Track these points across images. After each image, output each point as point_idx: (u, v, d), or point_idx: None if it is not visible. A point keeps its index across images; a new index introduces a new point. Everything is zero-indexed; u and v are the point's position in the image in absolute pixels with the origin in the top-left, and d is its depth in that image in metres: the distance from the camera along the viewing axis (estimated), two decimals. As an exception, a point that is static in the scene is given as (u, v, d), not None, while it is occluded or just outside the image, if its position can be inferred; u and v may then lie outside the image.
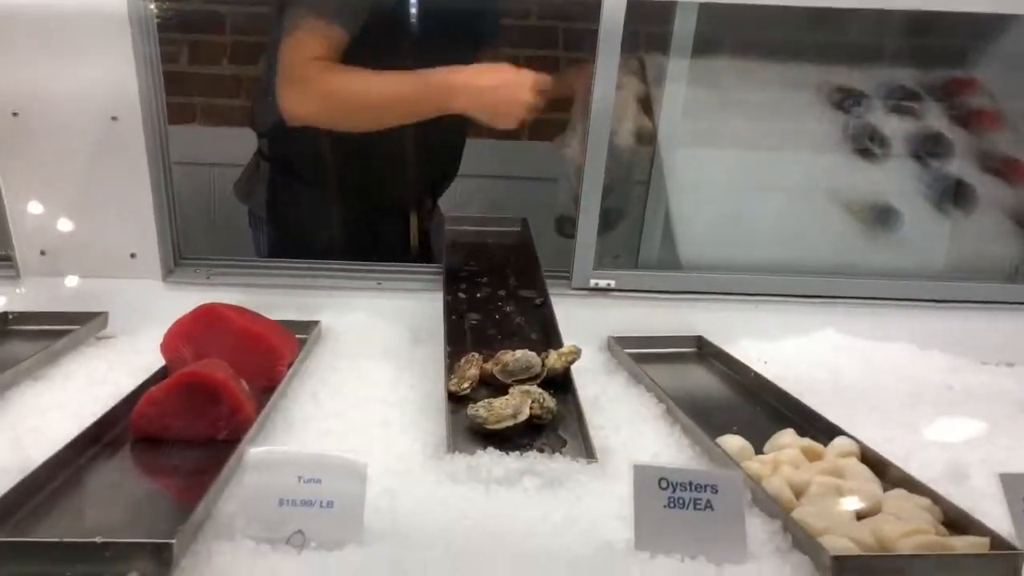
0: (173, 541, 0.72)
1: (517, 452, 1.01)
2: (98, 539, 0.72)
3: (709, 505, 0.83)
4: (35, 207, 1.50)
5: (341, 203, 1.85)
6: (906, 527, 0.80)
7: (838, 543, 0.79)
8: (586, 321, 1.55)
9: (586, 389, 1.26)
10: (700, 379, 1.47)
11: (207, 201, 2.59)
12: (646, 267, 1.80)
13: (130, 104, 1.43)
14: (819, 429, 1.13)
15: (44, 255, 1.52)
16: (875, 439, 1.07)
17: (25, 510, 0.84)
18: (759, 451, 1.06)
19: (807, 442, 1.05)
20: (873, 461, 1.01)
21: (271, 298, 1.56)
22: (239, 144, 1.97)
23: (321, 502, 0.82)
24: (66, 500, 0.89)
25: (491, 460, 0.99)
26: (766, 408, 1.28)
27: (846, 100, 1.99)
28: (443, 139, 1.85)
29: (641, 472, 0.84)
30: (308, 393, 1.23)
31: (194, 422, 1.02)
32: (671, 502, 0.83)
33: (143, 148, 1.47)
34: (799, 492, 0.92)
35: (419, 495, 0.93)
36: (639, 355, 1.46)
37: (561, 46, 2.70)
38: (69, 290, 1.52)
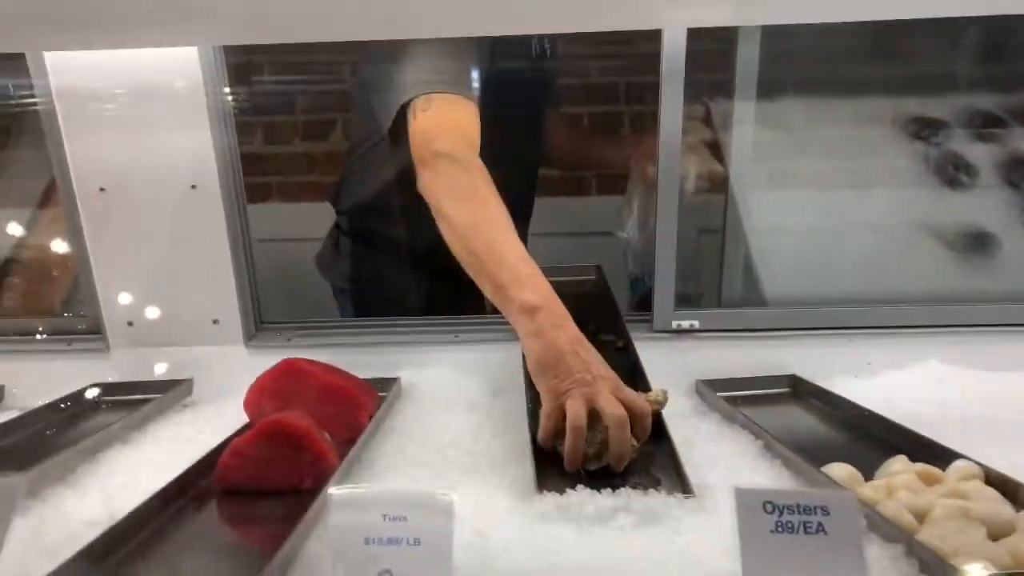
0: (258, 580, 0.70)
1: (609, 489, 0.96)
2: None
3: (821, 528, 0.76)
4: (122, 280, 1.55)
5: (418, 268, 1.87)
6: (1050, 545, 0.72)
7: (975, 564, 0.71)
8: (671, 365, 1.50)
9: (676, 432, 1.20)
10: (797, 417, 1.39)
11: (284, 274, 2.65)
12: (730, 306, 1.74)
13: (209, 173, 1.48)
14: (934, 456, 1.05)
15: (131, 326, 1.56)
16: (999, 465, 0.98)
17: (112, 560, 0.83)
18: (868, 480, 0.98)
19: (922, 466, 0.97)
20: (1000, 484, 0.92)
21: (351, 357, 1.55)
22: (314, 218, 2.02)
23: (408, 540, 0.78)
24: (151, 550, 0.87)
25: (582, 499, 0.95)
26: (872, 440, 1.20)
27: (924, 130, 1.93)
28: (514, 192, 1.86)
29: (744, 496, 0.78)
30: (391, 444, 1.21)
31: (278, 471, 1.01)
32: (779, 527, 0.76)
33: (222, 215, 1.50)
34: (919, 517, 0.84)
35: (509, 535, 0.89)
36: (730, 397, 1.40)
37: (623, 100, 2.71)
38: (156, 360, 1.55)
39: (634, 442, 1.07)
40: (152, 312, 1.56)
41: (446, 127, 1.35)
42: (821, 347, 1.58)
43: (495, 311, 1.66)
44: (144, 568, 0.83)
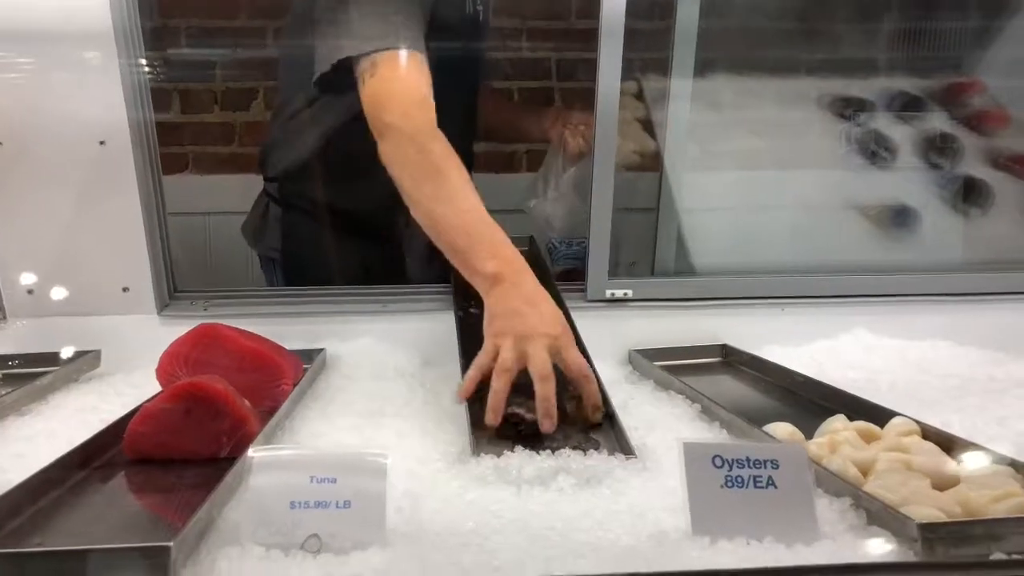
0: (170, 544, 0.63)
1: (548, 451, 0.93)
2: (86, 547, 0.63)
3: (771, 482, 0.74)
4: (20, 244, 1.43)
5: (351, 233, 1.77)
6: (996, 492, 0.72)
7: (924, 512, 0.70)
8: (604, 334, 1.47)
9: (612, 399, 1.17)
10: (731, 385, 1.38)
11: (203, 246, 2.53)
12: (663, 275, 1.72)
13: (118, 127, 1.38)
14: (871, 417, 1.04)
15: (31, 294, 1.45)
16: (932, 424, 0.98)
17: (3, 532, 0.75)
18: (810, 439, 0.97)
19: (862, 424, 0.96)
20: (937, 439, 0.92)
21: (272, 327, 1.45)
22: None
23: (337, 503, 0.73)
24: (50, 519, 0.79)
25: (520, 460, 0.91)
26: (807, 404, 1.20)
27: (848, 109, 1.96)
28: None
29: (692, 450, 0.75)
30: (316, 411, 1.15)
31: (193, 438, 0.94)
32: (728, 481, 0.74)
33: (133, 173, 1.40)
34: (864, 471, 0.83)
35: (445, 497, 0.84)
36: (664, 367, 1.38)
37: (555, 76, 2.68)
38: (60, 330, 1.44)
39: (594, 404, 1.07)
40: (55, 279, 1.45)
41: (393, 92, 1.31)
42: (751, 316, 1.57)
43: (428, 280, 1.60)
44: (42, 537, 0.75)
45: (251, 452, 0.76)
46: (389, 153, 1.28)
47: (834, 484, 0.80)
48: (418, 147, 1.25)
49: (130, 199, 1.42)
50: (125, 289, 1.47)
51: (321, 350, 1.44)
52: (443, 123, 1.29)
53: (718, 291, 1.59)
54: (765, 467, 0.74)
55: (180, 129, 2.56)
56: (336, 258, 1.78)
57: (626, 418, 1.09)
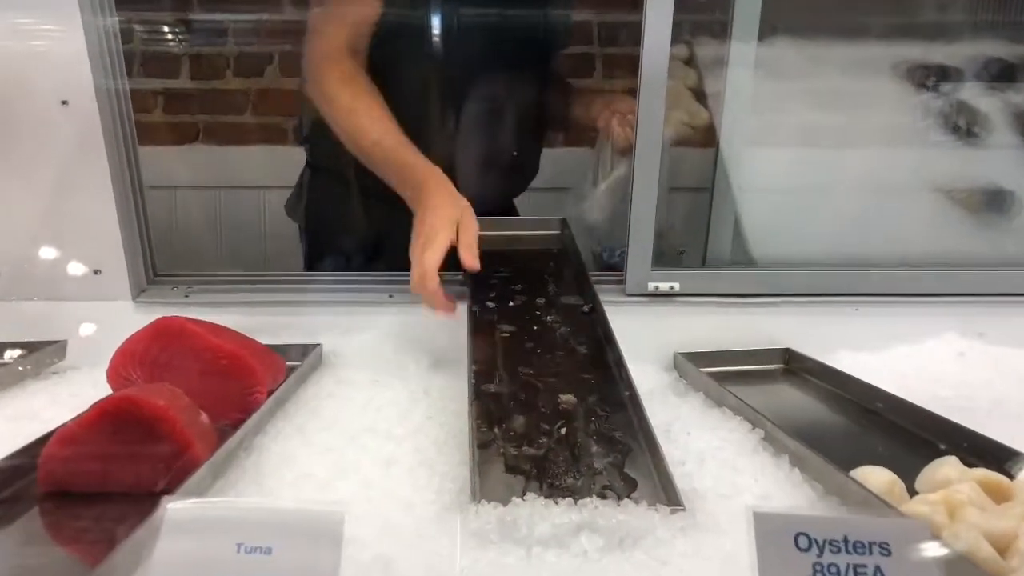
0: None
1: (569, 499, 0.72)
2: None
3: (879, 574, 0.52)
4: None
5: (373, 200, 1.61)
6: None
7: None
8: (646, 334, 1.26)
9: (653, 417, 0.96)
10: (795, 400, 1.16)
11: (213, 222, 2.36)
12: (715, 267, 1.50)
13: (82, 85, 1.19)
14: (985, 455, 0.82)
15: (-7, 276, 1.27)
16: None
17: None
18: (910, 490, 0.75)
19: (983, 473, 0.73)
20: (1088, 498, 0.69)
21: (263, 318, 1.30)
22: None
23: (270, 583, 0.53)
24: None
25: (533, 511, 0.70)
26: (894, 431, 0.97)
27: (930, 78, 1.70)
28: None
29: (766, 523, 0.53)
30: (294, 427, 0.95)
31: (123, 466, 0.74)
32: (818, 570, 0.52)
33: (101, 138, 1.21)
34: (1000, 548, 0.61)
35: (429, 563, 0.63)
36: (715, 374, 1.17)
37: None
38: (19, 316, 1.26)
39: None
40: (14, 258, 1.27)
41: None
42: (820, 317, 1.35)
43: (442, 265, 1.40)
44: None
45: (166, 503, 0.56)
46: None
47: (963, 573, 0.58)
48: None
49: (98, 162, 1.24)
50: (96, 271, 1.29)
51: (317, 346, 1.25)
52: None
53: (780, 286, 1.36)
54: (870, 552, 0.52)
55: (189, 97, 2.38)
56: (354, 223, 1.66)
57: (669, 446, 0.88)
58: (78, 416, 0.78)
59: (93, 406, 0.77)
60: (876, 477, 0.72)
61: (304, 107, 1.62)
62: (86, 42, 1.18)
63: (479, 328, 1.14)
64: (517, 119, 1.60)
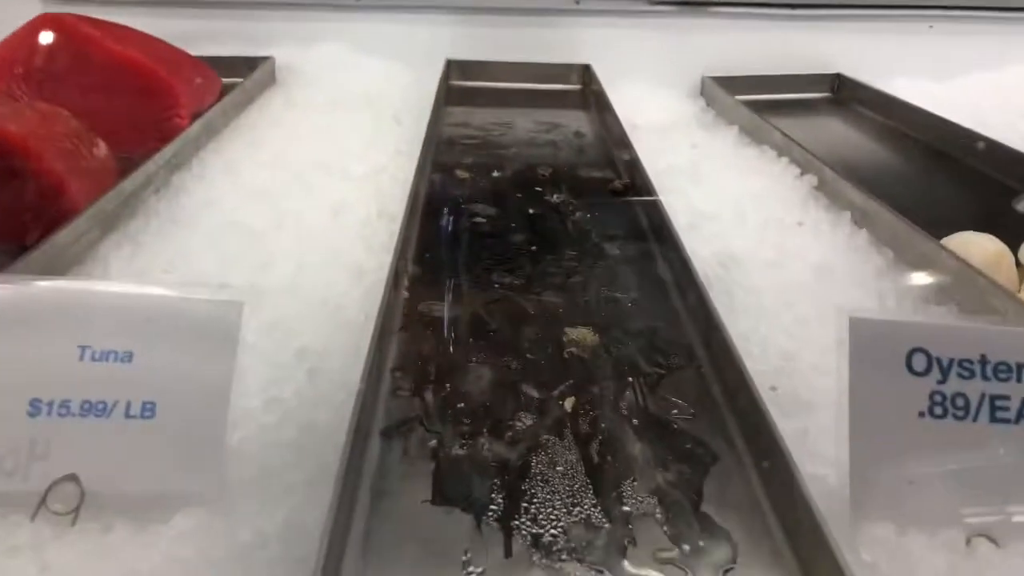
0: None
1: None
2: None
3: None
4: None
5: None
6: None
7: None
8: (669, 51, 1.04)
9: (677, 155, 0.78)
10: (846, 137, 0.97)
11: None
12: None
13: None
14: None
15: None
16: None
17: None
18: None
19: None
20: None
21: (203, 23, 1.07)
22: None
23: (129, 408, 0.37)
24: None
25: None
26: (985, 183, 0.78)
27: None
28: None
29: (864, 331, 0.36)
30: (224, 159, 0.75)
31: (-23, 215, 0.56)
32: (937, 402, 0.35)
33: None
34: None
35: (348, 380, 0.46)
36: (751, 103, 0.96)
37: None
38: None
39: None
40: None
41: None
42: (880, 34, 1.12)
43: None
44: None
45: (-7, 280, 0.38)
46: None
47: None
48: None
49: None
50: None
51: (267, 59, 1.02)
52: None
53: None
54: (1019, 378, 0.35)
55: None
56: None
57: (697, 193, 0.70)
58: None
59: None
60: (980, 246, 0.54)
61: None
62: None
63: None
64: None
